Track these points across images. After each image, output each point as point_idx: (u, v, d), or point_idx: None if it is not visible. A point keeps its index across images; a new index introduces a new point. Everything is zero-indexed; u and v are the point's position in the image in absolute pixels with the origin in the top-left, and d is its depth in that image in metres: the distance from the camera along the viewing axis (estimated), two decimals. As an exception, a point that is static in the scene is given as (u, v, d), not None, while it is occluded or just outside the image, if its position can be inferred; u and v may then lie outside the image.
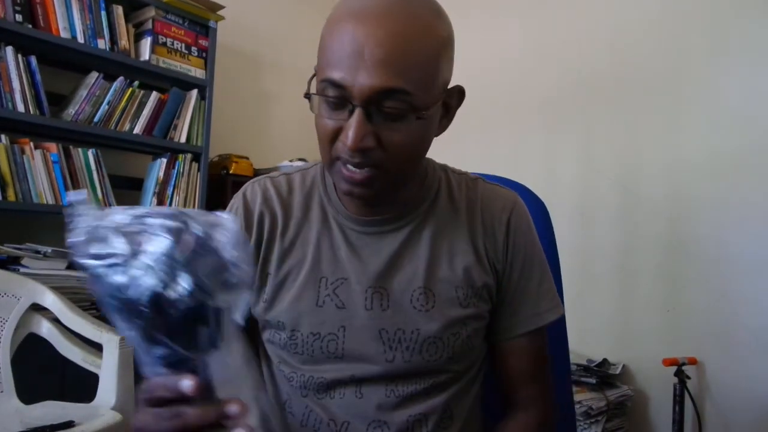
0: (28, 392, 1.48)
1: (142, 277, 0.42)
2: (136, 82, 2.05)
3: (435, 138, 0.74)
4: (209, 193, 2.27)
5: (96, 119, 1.94)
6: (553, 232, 0.99)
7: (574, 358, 1.89)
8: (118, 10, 2.01)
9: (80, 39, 1.89)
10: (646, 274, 2.01)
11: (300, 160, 2.54)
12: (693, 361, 1.83)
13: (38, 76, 1.80)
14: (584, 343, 2.09)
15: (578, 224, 2.20)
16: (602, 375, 1.93)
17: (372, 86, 0.61)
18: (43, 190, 1.79)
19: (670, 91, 2.00)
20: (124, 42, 2.01)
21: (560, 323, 0.92)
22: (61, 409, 1.40)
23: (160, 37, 2.12)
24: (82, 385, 1.47)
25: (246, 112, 2.77)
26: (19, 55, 1.75)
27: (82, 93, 1.91)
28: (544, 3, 2.41)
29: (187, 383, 0.44)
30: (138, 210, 0.45)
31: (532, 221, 0.83)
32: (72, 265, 1.74)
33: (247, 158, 2.45)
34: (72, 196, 0.46)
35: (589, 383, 1.90)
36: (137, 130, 2.05)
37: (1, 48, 1.72)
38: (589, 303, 2.13)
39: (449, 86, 0.72)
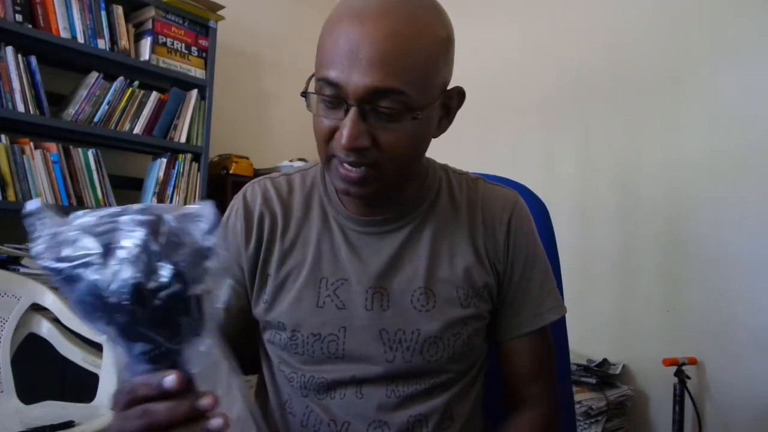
0: (28, 392, 1.48)
1: (120, 271, 0.41)
2: (136, 82, 2.05)
3: (435, 138, 0.75)
4: (209, 193, 2.27)
5: (96, 119, 1.94)
6: (553, 232, 0.99)
7: (574, 358, 1.89)
8: (118, 10, 2.01)
9: (80, 39, 1.89)
10: (646, 274, 2.01)
11: (300, 160, 2.54)
12: (693, 361, 1.83)
13: (38, 76, 1.80)
14: (584, 343, 2.09)
15: (578, 224, 2.20)
16: (602, 375, 1.93)
17: (366, 86, 0.61)
18: (43, 190, 1.79)
19: (669, 91, 2.00)
20: (124, 42, 2.01)
21: (560, 323, 0.93)
22: (61, 409, 1.40)
23: (160, 37, 2.12)
24: (82, 385, 1.47)
25: (246, 112, 2.77)
26: (19, 55, 1.75)
27: (82, 93, 1.91)
28: (543, 3, 2.41)
29: (170, 379, 0.44)
30: (104, 210, 0.45)
31: (533, 221, 0.83)
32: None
33: (247, 158, 2.45)
34: (29, 205, 0.44)
35: (589, 383, 1.90)
36: (137, 130, 2.05)
37: (1, 48, 1.72)
38: (589, 303, 2.13)
39: (449, 87, 0.72)
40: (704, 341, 1.85)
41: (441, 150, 0.96)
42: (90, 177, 1.93)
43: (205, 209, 0.46)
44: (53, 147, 1.84)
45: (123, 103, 2.00)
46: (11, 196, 1.71)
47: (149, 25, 2.10)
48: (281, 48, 2.88)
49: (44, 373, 1.60)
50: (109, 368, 1.42)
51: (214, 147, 2.33)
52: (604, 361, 2.00)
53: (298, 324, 0.73)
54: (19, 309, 1.54)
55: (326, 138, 0.67)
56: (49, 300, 1.55)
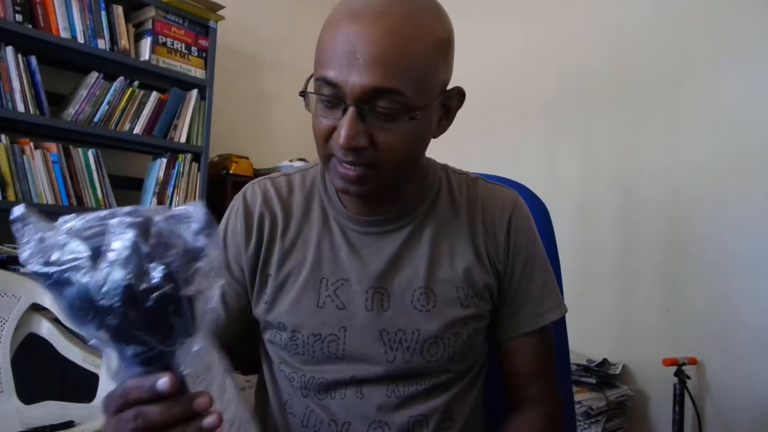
0: (28, 392, 1.48)
1: (111, 273, 0.41)
2: (136, 82, 2.05)
3: (435, 138, 0.75)
4: (209, 193, 2.27)
5: (96, 119, 1.94)
6: (553, 232, 0.99)
7: (574, 358, 1.89)
8: (118, 10, 2.01)
9: (80, 39, 1.89)
10: (646, 274, 2.01)
11: (300, 160, 2.54)
12: (693, 361, 1.83)
13: (38, 76, 1.80)
14: (584, 343, 2.09)
15: (578, 224, 2.20)
16: (602, 375, 1.93)
17: (363, 85, 0.61)
18: (43, 190, 1.79)
19: (670, 92, 2.00)
20: (124, 42, 2.01)
21: (560, 323, 0.93)
22: (61, 409, 1.41)
23: (160, 37, 2.12)
24: (82, 385, 1.47)
25: (246, 112, 2.77)
26: (19, 55, 1.75)
27: (82, 93, 1.91)
28: (544, 4, 2.41)
29: (162, 381, 0.43)
30: (91, 214, 0.44)
31: (533, 221, 0.83)
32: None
33: (247, 158, 2.45)
34: (15, 211, 0.44)
35: (589, 383, 1.90)
36: (137, 130, 2.05)
37: (1, 48, 1.72)
38: (589, 303, 2.13)
39: (449, 87, 0.72)
40: (704, 341, 1.85)
41: (441, 150, 0.96)
42: (90, 177, 1.93)
43: (195, 210, 0.46)
44: (53, 147, 1.84)
45: (123, 103, 2.00)
46: (11, 196, 1.71)
47: (149, 25, 2.10)
48: (281, 48, 2.88)
49: (44, 373, 1.60)
50: (109, 368, 1.42)
51: (214, 147, 2.33)
52: (604, 361, 2.00)
53: (299, 324, 0.73)
54: (19, 309, 1.54)
55: (325, 137, 0.67)
56: (49, 300, 1.55)
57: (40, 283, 0.43)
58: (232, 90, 2.59)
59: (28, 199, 1.75)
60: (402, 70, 0.62)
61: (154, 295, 0.42)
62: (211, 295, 0.46)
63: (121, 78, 1.99)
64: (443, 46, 0.67)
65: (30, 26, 1.78)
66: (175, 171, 2.16)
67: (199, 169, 2.24)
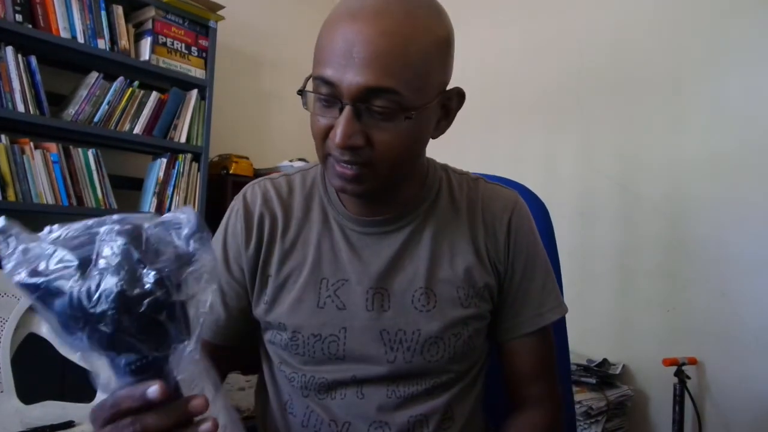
0: (28, 392, 1.48)
1: (103, 280, 0.41)
2: (136, 82, 2.04)
3: (434, 139, 0.74)
4: (209, 193, 2.27)
5: (96, 119, 1.94)
6: (553, 232, 0.99)
7: (574, 358, 1.89)
8: (118, 10, 2.01)
9: (80, 39, 1.89)
10: (646, 274, 2.01)
11: (300, 160, 2.54)
12: (693, 361, 1.82)
13: (38, 76, 1.80)
14: (584, 343, 2.09)
15: (578, 224, 2.20)
16: (602, 375, 1.93)
17: (359, 84, 0.61)
18: (43, 190, 1.79)
19: (669, 91, 2.00)
20: (124, 42, 2.01)
21: (560, 323, 0.93)
22: (61, 409, 1.40)
23: (160, 37, 2.11)
24: (82, 385, 1.46)
25: (246, 112, 2.77)
26: (19, 55, 1.75)
27: (82, 93, 1.91)
28: (544, 4, 2.41)
29: (153, 389, 0.43)
30: (76, 224, 0.44)
31: (533, 221, 0.83)
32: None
33: (247, 158, 2.45)
34: None
35: (589, 383, 1.90)
36: (137, 130, 2.04)
37: (1, 48, 1.72)
38: (589, 303, 2.13)
39: (448, 88, 0.72)
40: (704, 341, 1.85)
41: (441, 150, 0.96)
42: (90, 177, 1.93)
43: (185, 215, 0.46)
44: (53, 147, 1.84)
45: (123, 103, 2.00)
46: (11, 196, 1.71)
47: (149, 25, 2.10)
48: (281, 48, 2.87)
49: (44, 373, 1.60)
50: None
51: (214, 147, 2.32)
52: (604, 361, 2.00)
53: (299, 325, 0.73)
54: (19, 309, 1.54)
55: (322, 136, 0.67)
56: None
57: (26, 296, 0.42)
58: (232, 90, 2.59)
59: (28, 199, 1.75)
60: (399, 70, 0.62)
61: (147, 300, 0.41)
62: (204, 300, 0.46)
63: (121, 78, 1.99)
64: (442, 47, 0.67)
65: (30, 26, 1.78)
66: (175, 171, 2.16)
67: (199, 169, 2.24)
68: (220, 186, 2.34)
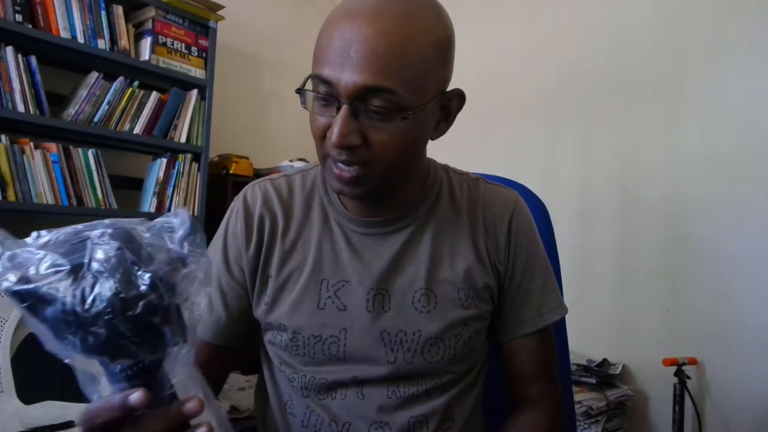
0: (28, 392, 1.48)
1: (97, 284, 0.40)
2: (136, 82, 2.04)
3: (434, 140, 0.74)
4: (209, 193, 2.27)
5: (96, 119, 1.94)
6: (553, 232, 1.00)
7: (574, 358, 1.89)
8: (118, 10, 2.01)
9: (80, 39, 1.89)
10: (646, 274, 2.01)
11: (300, 160, 2.54)
12: (693, 361, 1.83)
13: (38, 76, 1.80)
14: (584, 343, 2.09)
15: (578, 224, 2.20)
16: (602, 375, 1.93)
17: (356, 84, 0.61)
18: (43, 190, 1.79)
19: (669, 91, 2.00)
20: (124, 42, 2.01)
21: (560, 323, 0.93)
22: (61, 409, 1.40)
23: (160, 37, 2.12)
24: (82, 385, 1.47)
25: (246, 112, 2.77)
26: (19, 55, 1.75)
27: (82, 93, 1.91)
28: (543, 3, 2.41)
29: (136, 396, 0.42)
30: (66, 228, 0.44)
31: (534, 221, 0.83)
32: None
33: (247, 158, 2.45)
34: None
35: (589, 383, 1.90)
36: (137, 130, 2.05)
37: (1, 48, 1.72)
38: (589, 303, 2.13)
39: (449, 89, 0.72)
40: (704, 341, 1.85)
41: (441, 150, 0.96)
42: (90, 177, 1.93)
43: (178, 218, 0.46)
44: (53, 147, 1.84)
45: (123, 103, 2.00)
46: (11, 196, 1.71)
47: (149, 25, 2.10)
48: (281, 48, 2.87)
49: (44, 373, 1.60)
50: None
51: (214, 147, 2.33)
52: (604, 361, 2.00)
53: (299, 325, 0.73)
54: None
55: (321, 136, 0.67)
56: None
57: (14, 303, 0.41)
58: (232, 90, 2.59)
59: (28, 199, 1.75)
60: (397, 70, 0.62)
61: (143, 302, 0.41)
62: (198, 302, 0.45)
63: (121, 78, 1.99)
64: (442, 47, 0.67)
65: (30, 26, 1.78)
66: (175, 171, 2.16)
67: (199, 169, 2.24)
68: (220, 186, 2.34)
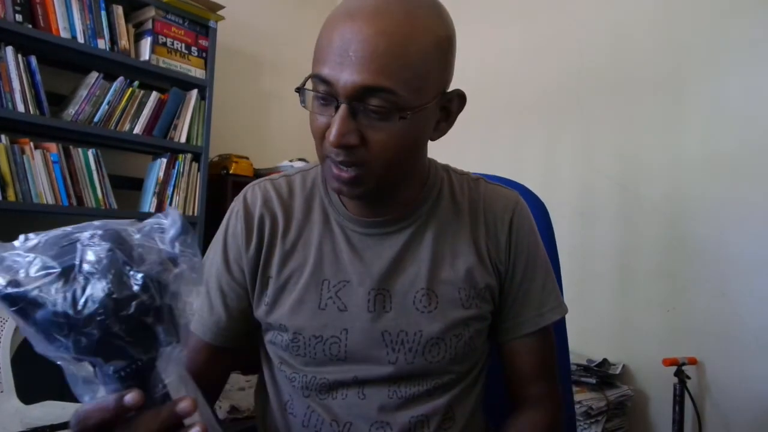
0: (28, 392, 1.48)
1: (89, 285, 0.40)
2: (136, 82, 2.04)
3: (434, 141, 0.74)
4: (209, 193, 2.27)
5: (96, 119, 1.94)
6: (553, 232, 1.00)
7: (574, 358, 1.89)
8: (118, 10, 2.01)
9: (80, 39, 1.89)
10: (646, 274, 2.01)
11: (300, 160, 2.54)
12: (693, 361, 1.82)
13: (38, 76, 1.80)
14: (584, 343, 2.09)
15: (578, 224, 2.20)
16: (602, 375, 1.93)
17: (355, 83, 0.61)
18: (43, 190, 1.79)
19: (670, 91, 2.00)
20: (124, 42, 2.01)
21: (560, 323, 0.93)
22: (61, 409, 1.40)
23: (160, 37, 2.11)
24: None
25: (246, 112, 2.77)
26: (19, 55, 1.75)
27: (82, 93, 1.91)
28: (544, 3, 2.41)
29: (130, 397, 0.42)
30: (55, 231, 0.43)
31: (534, 221, 0.83)
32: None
33: (247, 158, 2.45)
34: None
35: (589, 383, 1.90)
36: (137, 130, 2.04)
37: (1, 48, 1.72)
38: (589, 303, 2.13)
39: (450, 89, 0.72)
40: (704, 341, 1.85)
41: (441, 150, 0.96)
42: (90, 177, 1.93)
43: (169, 218, 0.46)
44: (53, 147, 1.83)
45: (123, 103, 2.00)
46: (11, 196, 1.71)
47: (149, 25, 2.10)
48: (281, 48, 2.87)
49: (44, 373, 1.59)
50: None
51: (214, 147, 2.32)
52: (604, 361, 2.00)
53: (300, 326, 0.73)
54: (19, 309, 1.53)
55: (321, 135, 0.66)
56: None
57: (4, 308, 0.41)
58: (232, 90, 2.59)
59: (28, 199, 1.75)
60: (396, 69, 0.61)
61: (135, 302, 0.41)
62: (190, 302, 0.45)
63: (121, 78, 1.99)
64: (442, 47, 0.66)
65: (30, 26, 1.78)
66: (175, 171, 2.16)
67: (199, 169, 2.24)
68: (220, 186, 2.34)
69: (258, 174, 2.44)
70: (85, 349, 0.42)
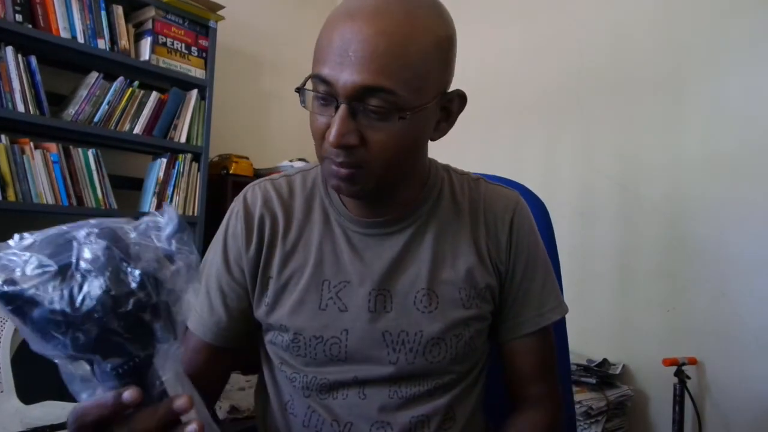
0: (28, 392, 1.48)
1: (86, 282, 0.40)
2: (136, 82, 2.04)
3: (434, 141, 0.74)
4: (209, 193, 2.27)
5: (96, 119, 1.94)
6: (553, 232, 1.00)
7: (574, 358, 1.89)
8: (118, 10, 2.01)
9: (80, 39, 1.89)
10: (646, 274, 2.01)
11: (300, 160, 2.54)
12: (693, 361, 1.82)
13: (38, 76, 1.80)
14: (584, 343, 2.09)
15: (578, 224, 2.20)
16: (602, 375, 1.93)
17: (355, 83, 0.61)
18: (43, 190, 1.79)
19: (670, 91, 2.00)
20: (124, 42, 2.01)
21: (561, 323, 0.93)
22: (61, 409, 1.40)
23: (160, 37, 2.11)
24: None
25: (246, 112, 2.76)
26: (19, 55, 1.75)
27: (82, 93, 1.91)
28: (544, 3, 2.41)
29: (128, 394, 0.42)
30: (51, 230, 0.43)
31: (534, 221, 0.83)
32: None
33: (247, 158, 2.45)
34: None
35: (589, 383, 1.90)
36: (137, 130, 2.04)
37: (1, 48, 1.72)
38: (589, 303, 2.13)
39: (450, 89, 0.72)
40: (704, 341, 1.85)
41: (442, 150, 0.96)
42: (90, 177, 1.93)
43: (165, 216, 0.46)
44: (53, 147, 1.83)
45: (123, 103, 2.00)
46: (11, 196, 1.71)
47: (149, 25, 2.10)
48: (281, 48, 2.87)
49: (44, 373, 1.59)
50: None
51: (214, 147, 2.32)
52: (604, 361, 2.00)
53: (301, 327, 0.73)
54: (19, 309, 1.53)
55: (320, 136, 0.66)
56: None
57: (1, 306, 0.41)
58: (232, 90, 2.59)
59: (28, 199, 1.75)
60: (396, 70, 0.61)
61: (133, 299, 0.41)
62: (187, 299, 0.45)
63: (121, 78, 1.99)
64: (442, 47, 0.66)
65: (30, 26, 1.78)
66: (175, 171, 2.16)
67: (199, 169, 2.24)
68: (220, 186, 2.34)
69: (258, 174, 2.44)
70: (82, 347, 0.42)
